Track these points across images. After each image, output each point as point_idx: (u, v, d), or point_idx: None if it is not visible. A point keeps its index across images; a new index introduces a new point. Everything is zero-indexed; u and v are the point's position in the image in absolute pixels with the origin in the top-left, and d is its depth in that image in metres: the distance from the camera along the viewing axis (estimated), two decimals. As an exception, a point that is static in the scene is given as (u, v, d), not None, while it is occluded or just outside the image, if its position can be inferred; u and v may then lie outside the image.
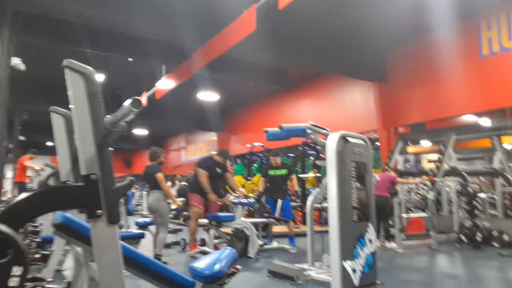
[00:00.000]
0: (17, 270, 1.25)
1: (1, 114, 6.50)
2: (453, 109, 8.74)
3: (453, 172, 7.28)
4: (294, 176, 7.04)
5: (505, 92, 7.59)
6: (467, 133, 11.07)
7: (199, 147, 19.45)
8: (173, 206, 7.53)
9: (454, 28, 8.12)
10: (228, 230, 6.36)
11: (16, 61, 6.11)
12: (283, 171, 6.84)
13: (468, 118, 10.65)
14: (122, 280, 1.51)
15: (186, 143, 20.84)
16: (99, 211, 1.41)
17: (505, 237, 6.48)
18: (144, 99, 11.69)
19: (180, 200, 6.98)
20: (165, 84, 10.82)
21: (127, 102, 1.36)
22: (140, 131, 18.76)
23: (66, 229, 1.82)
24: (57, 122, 2.36)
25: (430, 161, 12.10)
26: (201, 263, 2.12)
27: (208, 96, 13.03)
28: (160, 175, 5.33)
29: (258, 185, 7.43)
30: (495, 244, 6.55)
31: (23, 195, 1.49)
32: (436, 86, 8.78)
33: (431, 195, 7.07)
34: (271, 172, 6.86)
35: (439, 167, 7.32)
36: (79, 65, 1.42)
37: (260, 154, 12.18)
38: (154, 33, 8.12)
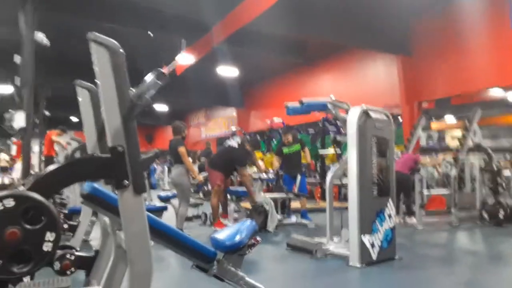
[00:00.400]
0: (50, 236, 1.32)
1: (28, 89, 6.67)
2: (480, 83, 8.44)
3: (477, 148, 7.12)
4: (306, 149, 7.18)
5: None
6: (494, 109, 10.72)
7: (218, 123, 19.54)
8: (194, 181, 7.67)
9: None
10: (247, 204, 6.46)
11: (40, 36, 6.20)
12: (297, 147, 6.90)
13: (496, 93, 10.28)
14: (149, 247, 1.57)
15: (205, 119, 20.94)
16: (126, 181, 1.46)
17: (530, 215, 6.37)
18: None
19: (202, 176, 7.06)
20: (185, 58, 10.81)
21: (151, 75, 1.37)
22: (161, 107, 18.95)
23: (94, 199, 1.89)
24: (83, 96, 2.40)
25: (454, 138, 11.83)
26: (222, 234, 2.18)
27: (227, 71, 12.97)
28: (182, 149, 5.38)
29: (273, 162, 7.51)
30: (518, 222, 6.45)
31: (53, 166, 1.55)
32: (462, 58, 8.47)
33: (454, 172, 6.95)
34: (286, 150, 6.91)
35: (463, 143, 7.16)
36: (104, 39, 1.43)
37: (279, 130, 12.15)
38: (174, 7, 8.07)
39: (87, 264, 2.22)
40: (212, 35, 9.00)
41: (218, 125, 19.57)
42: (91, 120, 2.41)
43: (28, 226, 1.28)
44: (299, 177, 6.65)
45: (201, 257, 2.05)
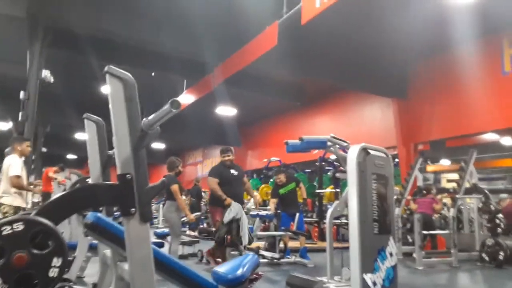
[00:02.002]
0: (57, 261, 1.31)
1: (29, 125, 6.75)
2: (474, 126, 8.62)
3: (474, 189, 7.16)
4: (302, 185, 7.16)
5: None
6: (488, 152, 10.88)
7: (215, 162, 19.51)
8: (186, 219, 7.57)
9: (476, 45, 8.07)
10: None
11: (46, 74, 6.37)
12: (292, 185, 6.89)
13: (490, 137, 10.47)
14: (153, 278, 1.56)
15: (203, 157, 20.98)
16: (133, 209, 1.48)
17: (530, 257, 6.30)
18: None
19: (195, 215, 6.93)
20: (185, 98, 11.03)
21: (166, 104, 1.43)
22: (158, 145, 19.02)
23: (98, 228, 1.89)
24: (90, 129, 2.46)
25: (449, 181, 11.90)
26: (224, 268, 2.16)
27: (226, 110, 13.19)
28: (174, 187, 5.31)
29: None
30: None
31: (61, 193, 1.57)
32: (457, 102, 8.69)
33: (452, 213, 6.94)
34: (281, 191, 6.86)
35: (460, 184, 7.21)
36: (119, 71, 1.51)
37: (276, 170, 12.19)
38: (178, 49, 8.38)
39: (86, 298, 2.18)
40: (212, 77, 9.25)
41: (215, 164, 19.51)
42: (96, 152, 2.46)
43: (35, 251, 1.28)
44: (297, 215, 6.60)
45: (201, 290, 2.02)
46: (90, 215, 1.87)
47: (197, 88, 10.52)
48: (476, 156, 7.79)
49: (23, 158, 4.86)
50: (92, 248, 3.84)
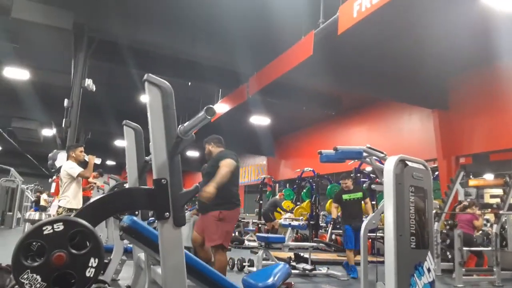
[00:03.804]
0: (94, 262, 1.35)
1: (72, 131, 7.07)
2: (520, 139, 8.18)
3: (520, 205, 6.76)
4: (368, 200, 6.45)
5: None
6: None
7: (249, 171, 19.63)
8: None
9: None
10: (278, 254, 6.28)
11: (88, 82, 6.67)
12: (358, 194, 6.38)
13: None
14: (185, 281, 1.57)
15: (236, 166, 21.09)
16: (167, 213, 1.50)
17: None
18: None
19: None
20: (220, 107, 11.19)
21: (201, 112, 1.45)
22: (192, 153, 19.35)
23: (133, 232, 1.94)
24: (128, 135, 2.55)
25: (493, 196, 11.32)
26: (255, 276, 2.14)
27: (260, 120, 13.25)
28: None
29: (306, 208, 7.17)
30: None
31: (100, 195, 1.62)
32: (501, 115, 8.30)
33: (495, 229, 6.59)
34: (346, 197, 6.37)
35: (504, 200, 6.83)
36: (157, 79, 1.55)
37: (310, 180, 12.07)
38: (213, 59, 8.53)
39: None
40: (248, 86, 9.33)
41: (248, 173, 19.65)
42: (133, 157, 2.54)
43: (74, 251, 1.32)
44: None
45: (231, 297, 2.01)
46: (126, 219, 1.93)
47: (232, 97, 10.64)
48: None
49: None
50: (128, 252, 3.94)
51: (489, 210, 7.69)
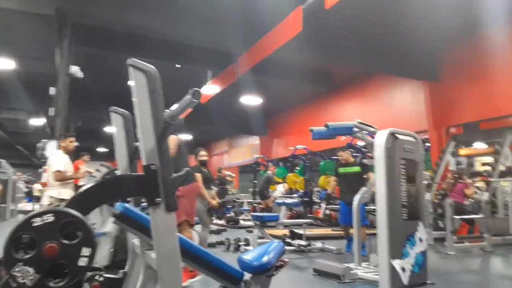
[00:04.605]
0: (86, 251, 1.36)
1: (61, 120, 6.97)
2: (509, 108, 8.24)
3: (509, 172, 6.88)
4: (370, 175, 5.71)
5: None
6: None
7: (242, 151, 19.66)
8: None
9: (509, 25, 7.67)
10: (273, 231, 6.34)
11: (75, 69, 6.54)
12: (355, 169, 6.05)
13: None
14: (179, 265, 1.58)
15: (228, 147, 21.13)
16: (158, 199, 1.50)
17: None
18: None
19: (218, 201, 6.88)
20: (210, 89, 11.09)
21: (187, 95, 1.43)
22: (184, 136, 19.30)
23: (126, 218, 1.94)
24: (116, 121, 2.51)
25: (484, 164, 11.47)
26: (250, 255, 2.17)
27: (251, 100, 13.18)
28: (196, 176, 5.28)
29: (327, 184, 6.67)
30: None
31: (90, 184, 1.62)
32: (490, 84, 8.33)
33: (486, 197, 6.72)
34: (341, 170, 6.14)
35: (494, 167, 6.95)
36: (142, 64, 1.52)
37: (303, 157, 12.13)
38: (201, 39, 8.38)
39: (116, 285, 2.24)
40: (237, 66, 9.23)
41: (241, 153, 19.69)
42: (123, 144, 2.51)
43: (65, 241, 1.32)
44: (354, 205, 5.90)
45: (228, 278, 2.04)
46: (118, 206, 1.93)
47: (222, 78, 10.53)
48: (512, 138, 7.46)
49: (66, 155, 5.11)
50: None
51: (480, 178, 7.82)
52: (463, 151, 11.23)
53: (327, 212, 10.44)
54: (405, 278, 3.74)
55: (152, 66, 1.52)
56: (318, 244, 6.41)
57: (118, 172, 2.74)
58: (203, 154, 5.59)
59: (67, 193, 4.91)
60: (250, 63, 8.75)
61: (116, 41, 8.51)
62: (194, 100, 1.42)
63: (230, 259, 2.07)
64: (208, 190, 5.45)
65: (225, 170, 14.37)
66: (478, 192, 8.30)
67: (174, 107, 1.53)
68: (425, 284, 3.93)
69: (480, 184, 8.16)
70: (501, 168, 7.01)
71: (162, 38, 8.67)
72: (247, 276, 2.04)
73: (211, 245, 6.30)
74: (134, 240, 2.40)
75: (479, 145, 12.37)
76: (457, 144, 8.62)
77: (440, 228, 7.23)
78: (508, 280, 4.81)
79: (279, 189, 11.20)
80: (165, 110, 1.54)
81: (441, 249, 6.38)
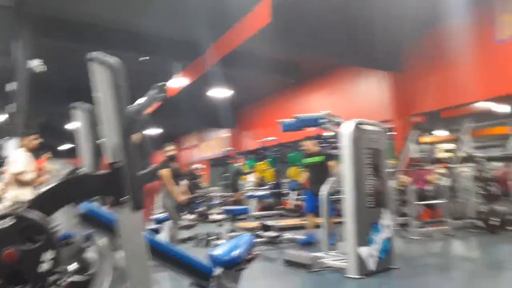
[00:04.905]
0: (48, 256, 1.30)
1: (21, 116, 6.67)
2: (468, 96, 8.60)
3: (469, 158, 7.21)
4: (332, 163, 5.81)
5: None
6: (482, 121, 10.89)
7: (212, 145, 19.54)
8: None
9: (468, 14, 7.97)
10: (245, 224, 6.37)
11: (36, 63, 6.25)
12: (319, 158, 6.01)
13: (484, 105, 10.47)
14: (147, 265, 1.57)
15: (198, 141, 20.96)
16: (124, 197, 1.47)
17: (524, 222, 6.42)
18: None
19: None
20: (178, 81, 10.91)
21: (152, 89, 1.41)
22: (153, 131, 18.92)
23: (91, 219, 1.90)
24: (80, 117, 2.44)
25: (444, 151, 11.96)
26: (220, 250, 2.18)
27: (220, 92, 13.07)
28: (162, 172, 5.16)
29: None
30: (511, 228, 6.49)
31: (53, 183, 1.56)
32: (451, 73, 8.66)
33: (447, 182, 7.03)
34: (307, 160, 6.11)
35: (455, 154, 7.26)
36: (105, 57, 1.47)
37: (273, 149, 12.21)
38: (169, 31, 8.21)
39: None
40: (206, 58, 9.12)
41: (211, 147, 19.58)
42: (87, 141, 2.44)
43: (25, 246, 1.26)
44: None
45: (198, 274, 2.03)
46: (83, 206, 1.88)
47: (190, 70, 10.39)
48: (472, 125, 7.81)
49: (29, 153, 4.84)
50: (89, 238, 3.85)
51: (441, 164, 8.14)
52: (425, 139, 11.67)
53: (297, 202, 10.59)
54: (372, 264, 3.87)
55: (115, 59, 1.47)
56: (289, 235, 6.50)
57: (82, 170, 2.67)
58: (170, 149, 5.49)
59: (28, 194, 4.68)
60: (219, 55, 8.67)
61: (81, 33, 8.19)
62: (160, 95, 1.40)
63: (200, 254, 2.06)
64: (177, 186, 5.39)
65: (194, 163, 14.27)
66: (439, 178, 8.64)
67: (140, 102, 1.50)
68: (391, 269, 4.09)
69: (442, 170, 8.50)
70: (461, 154, 7.33)
71: (127, 29, 8.44)
72: (217, 271, 2.05)
73: (181, 241, 6.25)
74: (101, 240, 2.35)
75: (440, 133, 12.90)
76: (419, 132, 8.94)
77: (404, 214, 7.51)
78: (468, 261, 5.09)
79: (250, 180, 11.27)
80: (131, 105, 1.51)
81: (405, 234, 6.63)
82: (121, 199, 1.46)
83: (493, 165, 8.59)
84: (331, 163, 5.86)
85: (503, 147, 12.32)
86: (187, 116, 15.48)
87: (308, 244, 5.87)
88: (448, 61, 8.61)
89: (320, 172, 5.83)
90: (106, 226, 1.80)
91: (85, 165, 2.45)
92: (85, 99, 2.41)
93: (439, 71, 8.92)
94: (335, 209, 5.83)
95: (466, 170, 8.10)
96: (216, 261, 2.06)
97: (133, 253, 1.52)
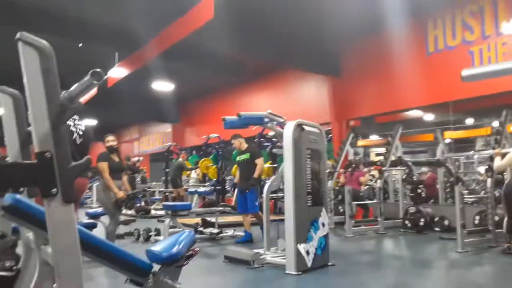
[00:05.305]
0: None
1: None
2: (401, 103, 9.20)
3: (399, 162, 7.71)
4: (259, 161, 5.92)
5: (447, 87, 8.09)
6: (413, 127, 11.71)
7: (153, 139, 19.04)
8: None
9: (404, 26, 8.50)
10: (185, 220, 6.28)
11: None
12: (245, 156, 6.02)
13: (414, 113, 11.26)
14: (79, 261, 1.48)
15: (139, 134, 20.32)
16: (54, 189, 1.37)
17: (445, 222, 6.98)
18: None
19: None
20: (118, 72, 10.47)
21: (87, 76, 1.33)
22: (90, 122, 18.00)
23: (17, 211, 1.75)
24: (6, 103, 2.24)
25: (378, 154, 12.68)
26: (159, 246, 2.12)
27: (163, 86, 12.76)
28: (100, 165, 4.94)
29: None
30: (437, 229, 7.04)
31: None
32: (386, 81, 9.18)
33: (379, 184, 7.45)
34: (238, 158, 6.15)
35: (386, 157, 7.72)
36: (34, 39, 1.36)
37: (216, 146, 12.15)
38: (108, 19, 7.84)
39: (7, 284, 2.04)
40: (147, 49, 8.84)
41: (152, 141, 19.07)
42: (13, 128, 2.25)
43: None
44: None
45: (135, 270, 1.96)
46: (7, 197, 1.72)
47: (131, 61, 10.01)
48: (402, 131, 8.37)
49: None
50: (17, 231, 3.58)
51: (374, 167, 8.62)
52: (360, 142, 12.29)
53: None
54: (309, 261, 3.99)
55: (45, 42, 1.37)
56: (230, 232, 6.51)
57: (8, 160, 2.46)
58: (110, 139, 5.20)
59: None
60: (161, 47, 8.46)
61: (13, 17, 7.54)
62: (94, 82, 1.32)
63: (139, 250, 1.99)
64: (116, 181, 5.14)
65: (135, 157, 13.80)
66: (373, 180, 9.16)
67: (72, 88, 1.40)
68: (327, 265, 4.25)
69: (375, 173, 9.01)
70: (392, 158, 7.81)
71: (63, 14, 7.91)
72: (156, 267, 1.99)
73: (119, 236, 6.01)
74: (28, 234, 2.19)
75: (375, 137, 13.66)
76: (355, 135, 9.39)
77: (340, 213, 7.86)
78: (396, 259, 5.43)
79: (193, 176, 11.11)
80: (62, 92, 1.41)
81: (341, 233, 6.94)
82: (49, 190, 1.36)
83: (422, 170, 9.29)
84: (258, 161, 5.91)
85: (430, 152, 13.35)
86: (128, 108, 14.94)
87: (249, 241, 5.93)
88: (384, 69, 9.14)
89: (245, 170, 5.93)
90: (33, 219, 1.67)
91: (11, 154, 2.26)
92: (16, 85, 2.22)
93: (375, 78, 9.44)
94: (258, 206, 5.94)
95: (396, 173, 8.65)
96: (154, 258, 2.01)
97: (63, 248, 1.43)
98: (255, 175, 5.88)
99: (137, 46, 9.09)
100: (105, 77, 10.65)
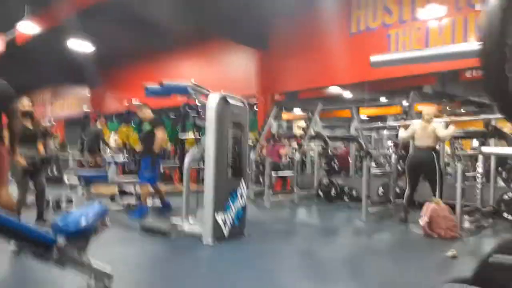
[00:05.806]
0: None
1: None
2: (323, 80, 9.61)
3: (317, 136, 8.15)
4: (159, 132, 5.79)
5: (366, 68, 8.56)
6: (333, 104, 12.35)
7: (69, 103, 17.72)
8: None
9: (331, 5, 8.74)
10: (100, 189, 6.03)
11: None
12: (145, 126, 6.01)
13: (335, 90, 11.85)
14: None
15: (53, 97, 18.75)
16: None
17: (354, 193, 7.61)
18: (1, 42, 10.08)
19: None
20: (29, 28, 9.47)
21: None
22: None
23: None
24: None
25: (299, 128, 13.20)
26: (66, 219, 2.05)
27: (80, 45, 11.79)
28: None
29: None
30: (346, 199, 7.66)
31: None
32: (310, 58, 9.48)
33: (297, 156, 7.84)
34: (141, 127, 6.10)
35: (306, 132, 8.10)
36: None
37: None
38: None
39: None
40: (64, 4, 8.08)
41: (67, 105, 17.75)
42: None
43: None
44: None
45: (38, 243, 1.90)
46: None
47: (44, 17, 9.09)
48: (323, 107, 8.78)
49: None
50: None
51: (295, 140, 9.00)
52: (285, 116, 12.70)
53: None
54: (226, 231, 4.14)
55: None
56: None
57: None
58: (26, 104, 4.76)
59: None
60: (81, 4, 7.79)
61: None
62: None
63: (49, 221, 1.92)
64: (30, 149, 4.71)
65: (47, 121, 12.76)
66: (292, 153, 9.57)
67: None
68: (243, 235, 4.44)
69: (295, 145, 9.40)
70: (311, 132, 8.21)
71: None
72: (60, 240, 1.94)
73: (29, 207, 5.60)
74: None
75: (298, 111, 14.18)
76: (279, 109, 9.66)
77: (262, 184, 8.16)
78: (308, 226, 5.85)
79: (111, 144, 10.64)
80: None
81: (260, 203, 7.23)
82: None
83: (337, 144, 9.90)
84: (158, 132, 5.79)
85: (346, 128, 14.23)
86: (40, 68, 13.61)
87: (167, 210, 5.93)
88: (310, 46, 9.42)
89: (147, 141, 5.81)
90: None
91: None
92: None
93: (301, 54, 9.70)
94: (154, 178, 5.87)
95: (314, 147, 9.14)
96: (61, 232, 1.95)
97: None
98: (155, 146, 5.77)
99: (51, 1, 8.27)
100: (14, 35, 9.58)
